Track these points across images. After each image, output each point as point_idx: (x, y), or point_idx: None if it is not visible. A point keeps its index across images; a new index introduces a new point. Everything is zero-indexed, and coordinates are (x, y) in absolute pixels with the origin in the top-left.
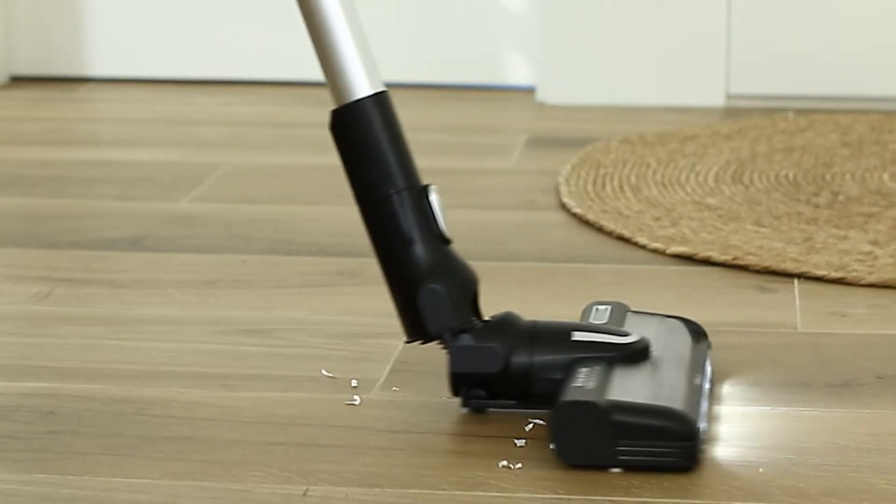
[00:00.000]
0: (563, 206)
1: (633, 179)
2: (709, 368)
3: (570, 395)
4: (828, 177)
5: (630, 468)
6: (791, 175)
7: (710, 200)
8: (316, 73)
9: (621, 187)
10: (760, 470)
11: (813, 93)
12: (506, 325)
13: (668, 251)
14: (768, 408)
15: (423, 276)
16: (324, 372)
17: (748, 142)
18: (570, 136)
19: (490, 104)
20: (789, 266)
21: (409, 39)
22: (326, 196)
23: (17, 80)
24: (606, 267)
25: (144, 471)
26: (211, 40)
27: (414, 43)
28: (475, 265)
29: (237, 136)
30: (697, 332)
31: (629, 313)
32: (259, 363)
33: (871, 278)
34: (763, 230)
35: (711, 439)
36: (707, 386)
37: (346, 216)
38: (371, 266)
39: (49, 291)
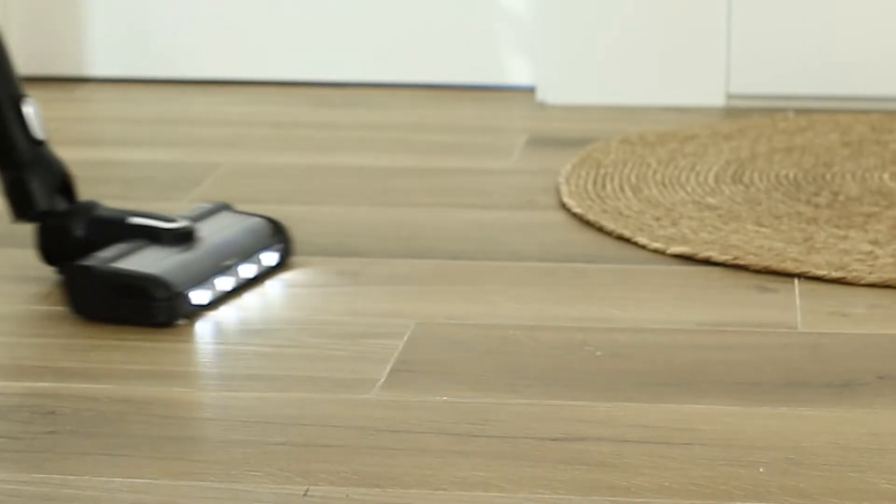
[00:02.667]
0: (564, 206)
1: (633, 179)
2: (268, 259)
3: (81, 261)
4: (828, 177)
5: (124, 321)
6: (791, 175)
7: (711, 200)
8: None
9: (621, 187)
10: (760, 470)
11: (813, 93)
12: (80, 211)
13: (669, 251)
14: (768, 408)
15: (19, 170)
16: None
17: (748, 142)
18: (570, 135)
19: (490, 104)
20: (789, 266)
21: (410, 39)
22: (326, 196)
23: None
24: (606, 267)
25: (145, 471)
26: (211, 40)
27: (414, 43)
28: (476, 265)
29: (237, 136)
30: (275, 232)
31: (224, 211)
32: (259, 363)
33: (872, 278)
34: (763, 230)
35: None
36: (242, 270)
37: (346, 216)
38: (371, 266)
39: (49, 291)
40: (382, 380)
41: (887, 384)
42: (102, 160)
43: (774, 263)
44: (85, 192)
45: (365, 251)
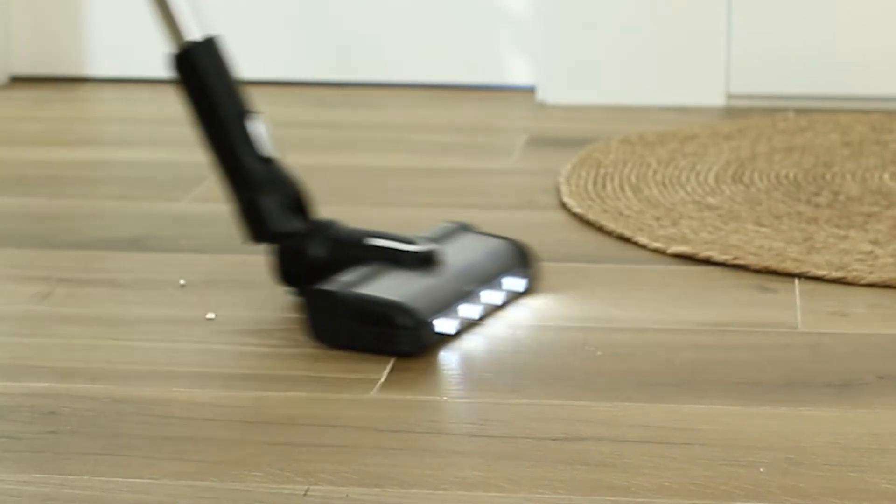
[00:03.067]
0: (564, 206)
1: (633, 179)
2: (512, 284)
3: (320, 285)
4: (828, 176)
5: (367, 349)
6: (791, 175)
7: (711, 200)
8: (316, 73)
9: (622, 187)
10: (760, 470)
11: (813, 93)
12: (317, 231)
13: (669, 251)
14: (768, 408)
15: (250, 191)
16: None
17: (748, 141)
18: (570, 135)
19: (490, 104)
20: (790, 266)
21: (410, 39)
22: (326, 196)
23: (18, 80)
24: (607, 267)
25: (145, 471)
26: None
27: (414, 43)
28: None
29: None
30: (520, 255)
31: (465, 231)
32: (259, 363)
33: (872, 278)
34: (763, 230)
35: (461, 337)
36: (486, 296)
37: (346, 216)
38: None
39: (49, 291)
40: (382, 380)
41: (887, 384)
42: (102, 160)
43: (774, 263)
44: (85, 192)
45: None
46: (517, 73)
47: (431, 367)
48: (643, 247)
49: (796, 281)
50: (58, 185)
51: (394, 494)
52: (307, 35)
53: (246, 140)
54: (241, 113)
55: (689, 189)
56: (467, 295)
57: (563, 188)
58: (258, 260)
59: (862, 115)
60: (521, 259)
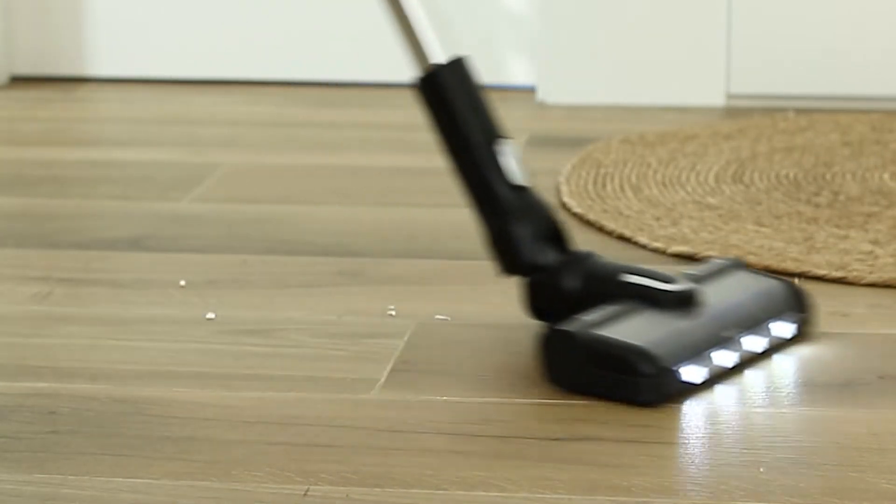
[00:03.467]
0: (564, 206)
1: (633, 179)
2: (779, 330)
3: (560, 325)
4: (828, 176)
5: (603, 396)
6: (791, 175)
7: (711, 200)
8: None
9: (622, 187)
10: (760, 470)
11: (813, 92)
12: (572, 263)
13: (669, 251)
14: (768, 408)
15: (502, 220)
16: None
17: (748, 141)
18: (570, 135)
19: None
20: (790, 265)
21: None
22: (326, 196)
23: (18, 80)
24: None
25: (145, 471)
26: (211, 40)
27: None
28: (476, 265)
29: (237, 136)
30: (792, 299)
31: (735, 270)
32: (259, 363)
33: (872, 278)
34: (763, 230)
35: (711, 389)
36: (747, 342)
37: (346, 216)
38: (371, 266)
39: (49, 291)
40: (383, 380)
41: (888, 384)
42: (102, 160)
43: (775, 263)
44: (85, 192)
45: (365, 251)
46: (517, 73)
47: (431, 367)
48: (643, 247)
49: (796, 281)
50: (58, 185)
51: (394, 494)
52: (307, 35)
53: (496, 167)
54: (491, 138)
55: (689, 189)
56: (724, 341)
57: (564, 188)
58: (258, 260)
59: (862, 115)
60: (793, 303)
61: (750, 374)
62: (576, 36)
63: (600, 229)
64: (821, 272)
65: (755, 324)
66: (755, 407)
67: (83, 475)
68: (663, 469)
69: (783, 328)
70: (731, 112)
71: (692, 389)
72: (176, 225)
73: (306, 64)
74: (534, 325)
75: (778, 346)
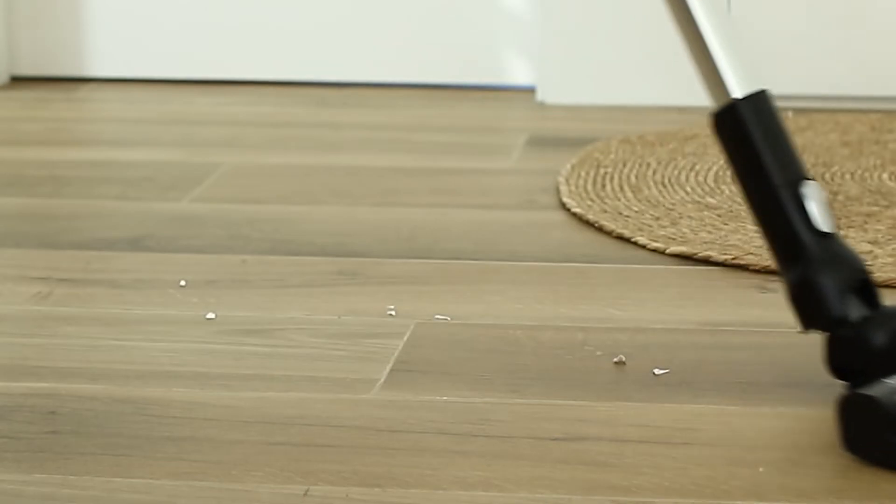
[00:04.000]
0: (563, 206)
1: (633, 179)
2: None
3: (864, 388)
4: (827, 176)
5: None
6: None
7: (710, 200)
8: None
9: (621, 187)
10: (760, 469)
11: (813, 93)
12: (882, 318)
13: (668, 251)
14: (768, 408)
15: (806, 269)
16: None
17: None
18: (570, 135)
19: (490, 104)
20: None
21: (410, 39)
22: (326, 196)
23: (18, 81)
24: (606, 267)
25: (145, 471)
26: (211, 40)
27: (414, 43)
28: (476, 265)
29: (237, 136)
30: None
31: None
32: (259, 363)
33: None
34: None
35: None
36: None
37: (346, 216)
38: (371, 266)
39: (49, 291)
40: (382, 380)
41: None
42: (102, 160)
43: (774, 263)
44: (85, 192)
45: (365, 251)
46: (517, 73)
47: (431, 367)
48: (643, 247)
49: None
50: (58, 185)
51: (394, 494)
52: (307, 35)
53: (801, 211)
54: (795, 180)
55: (688, 189)
56: None
57: (563, 188)
58: (258, 260)
59: (862, 115)
60: None
61: None
62: (576, 36)
63: (599, 229)
64: None
65: None
66: (753, 405)
67: (83, 475)
68: (663, 469)
69: None
70: None
71: None
72: (176, 225)
73: (306, 64)
74: (535, 326)
75: None
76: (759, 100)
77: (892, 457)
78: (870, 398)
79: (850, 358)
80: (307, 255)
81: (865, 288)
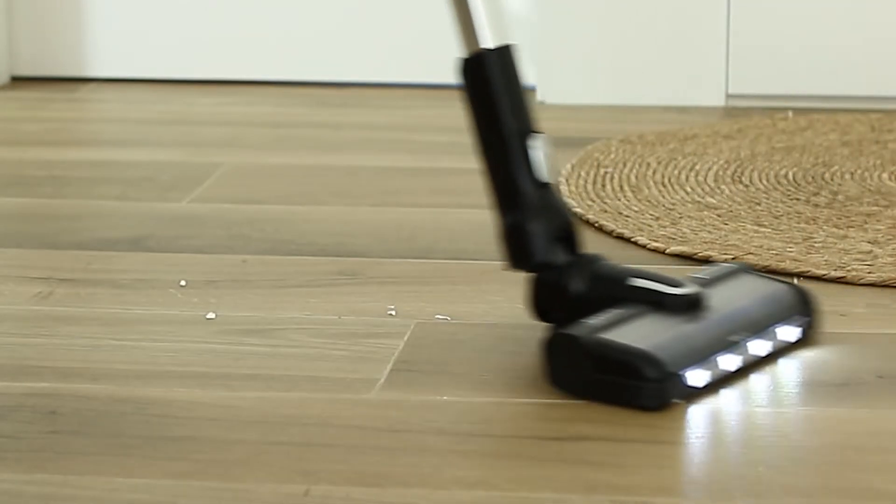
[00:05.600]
0: None
1: (632, 179)
2: (784, 334)
3: (565, 328)
4: (827, 176)
5: (605, 401)
6: (791, 174)
7: (710, 200)
8: (316, 73)
9: (621, 187)
10: (760, 469)
11: (813, 92)
12: (580, 265)
13: (668, 251)
14: (768, 408)
15: (519, 215)
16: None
17: (748, 141)
18: (569, 135)
19: None
20: (789, 265)
21: (410, 39)
22: (326, 196)
23: (18, 81)
24: None
25: (145, 470)
26: (211, 40)
27: (414, 43)
28: (476, 265)
29: (237, 136)
30: (799, 303)
31: (741, 274)
32: (259, 363)
33: (871, 278)
34: (763, 230)
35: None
36: (752, 347)
37: (346, 216)
38: (371, 266)
39: (50, 291)
40: (382, 380)
41: (887, 384)
42: (102, 160)
43: (774, 263)
44: (86, 192)
45: (365, 251)
46: None
47: (431, 367)
48: (642, 246)
49: (795, 281)
50: (58, 185)
51: (394, 494)
52: (307, 35)
53: (525, 160)
54: (526, 131)
55: (688, 189)
56: (730, 345)
57: (563, 188)
58: (258, 260)
59: (861, 114)
60: (799, 306)
61: (752, 377)
62: (576, 36)
63: (600, 229)
64: (820, 272)
65: (761, 328)
66: (756, 407)
67: (84, 475)
68: (663, 469)
69: (788, 332)
70: (730, 112)
71: (696, 393)
72: (176, 225)
73: (306, 64)
74: (535, 326)
75: (783, 349)
76: (505, 53)
77: (596, 389)
78: (573, 337)
79: (551, 300)
80: (307, 255)
81: (570, 238)
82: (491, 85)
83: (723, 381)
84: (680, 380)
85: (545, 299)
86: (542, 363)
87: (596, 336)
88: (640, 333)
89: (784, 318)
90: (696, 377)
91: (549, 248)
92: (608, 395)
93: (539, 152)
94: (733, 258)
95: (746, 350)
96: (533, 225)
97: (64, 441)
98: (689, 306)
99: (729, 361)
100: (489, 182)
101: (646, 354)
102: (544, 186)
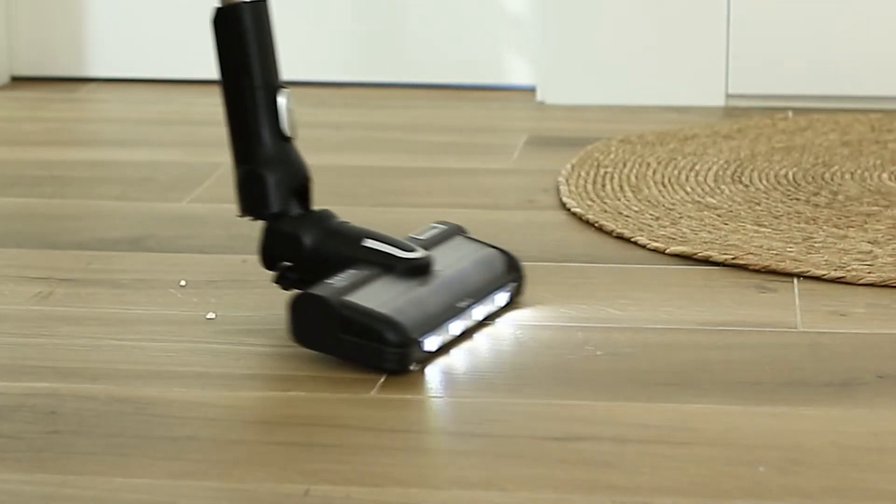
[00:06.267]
0: (563, 206)
1: (633, 179)
2: (502, 299)
3: (310, 289)
4: (827, 176)
5: (348, 359)
6: (790, 174)
7: (710, 200)
8: (315, 73)
9: (621, 187)
10: (761, 469)
11: (812, 92)
12: (314, 220)
13: (668, 251)
14: (768, 407)
15: (260, 164)
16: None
17: (748, 141)
18: (570, 135)
19: (490, 104)
20: (789, 265)
21: (410, 39)
22: (326, 196)
23: (18, 81)
24: (606, 266)
25: (146, 470)
26: (211, 40)
27: (414, 43)
28: None
29: None
30: (510, 268)
31: (457, 237)
32: (259, 363)
33: (871, 277)
34: (763, 230)
35: (450, 356)
36: (476, 312)
37: (346, 216)
38: None
39: (50, 291)
40: (383, 379)
41: (887, 383)
42: (102, 160)
43: (774, 263)
44: (86, 192)
45: None
46: (517, 73)
47: (431, 368)
48: (642, 246)
49: (795, 281)
50: (58, 185)
51: (394, 494)
52: (307, 35)
53: (272, 113)
54: (273, 85)
55: (688, 189)
56: (458, 311)
57: (563, 188)
58: (258, 260)
59: (861, 114)
60: (509, 271)
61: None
62: (576, 36)
63: (599, 229)
64: (820, 272)
65: (483, 294)
66: (753, 405)
67: (84, 475)
68: (663, 469)
69: (502, 297)
70: (730, 112)
71: (431, 357)
72: (176, 225)
73: (306, 64)
74: (535, 326)
75: (497, 313)
76: (259, 8)
77: (338, 349)
78: (321, 298)
79: (283, 250)
80: None
81: (305, 193)
82: (244, 36)
83: (451, 344)
84: (419, 345)
85: (277, 248)
86: (288, 319)
87: (343, 298)
88: (381, 298)
89: (500, 285)
90: (432, 342)
91: (286, 198)
92: (352, 354)
93: (284, 107)
94: (733, 258)
95: (471, 315)
96: (271, 175)
97: (64, 441)
98: (418, 270)
99: (456, 327)
100: (231, 131)
101: (390, 320)
102: (286, 140)
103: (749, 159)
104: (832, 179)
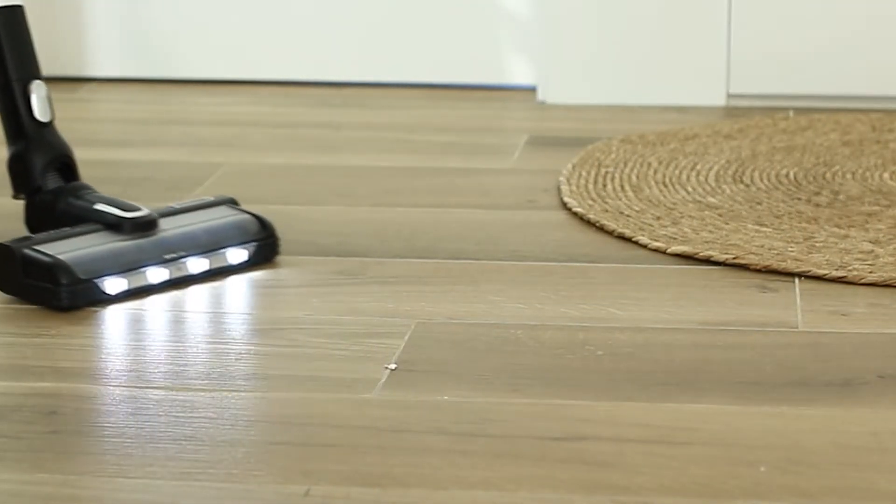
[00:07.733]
0: (564, 206)
1: (634, 179)
2: (235, 256)
3: (5, 241)
4: (828, 176)
5: (33, 302)
6: (792, 174)
7: (711, 200)
8: (316, 73)
9: (622, 187)
10: (761, 469)
11: (813, 92)
12: (67, 191)
13: (669, 250)
14: (768, 407)
15: (19, 148)
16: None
17: (749, 141)
18: (571, 135)
19: (491, 104)
20: (790, 265)
21: (410, 39)
22: (326, 196)
23: None
24: (607, 266)
25: (145, 471)
26: (211, 40)
27: (414, 43)
28: (476, 264)
29: (237, 136)
30: (257, 230)
31: (222, 206)
32: (259, 363)
33: (872, 277)
34: (764, 229)
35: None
36: (192, 265)
37: (346, 216)
38: (371, 266)
39: None
40: (383, 379)
41: (888, 383)
42: (102, 160)
43: (775, 263)
44: None
45: (365, 251)
46: (517, 73)
47: (432, 367)
48: (644, 246)
49: (797, 280)
50: None
51: (394, 494)
52: (307, 35)
53: (27, 102)
54: (27, 78)
55: (689, 188)
56: (163, 261)
57: (564, 188)
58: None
59: (862, 114)
60: (254, 232)
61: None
62: (576, 36)
63: (601, 229)
64: (821, 272)
65: (207, 249)
66: (753, 405)
67: (85, 475)
68: (663, 469)
69: (237, 255)
70: (731, 112)
71: (116, 299)
72: None
73: (306, 64)
74: (535, 326)
75: (229, 269)
76: (14, 12)
77: (24, 292)
78: (8, 247)
79: (41, 219)
80: (308, 255)
81: (68, 168)
82: (1, 38)
83: (148, 290)
84: (95, 287)
85: (37, 218)
86: None
87: (26, 247)
88: (69, 247)
89: (236, 243)
90: (113, 285)
91: (43, 175)
92: (35, 297)
93: (36, 97)
94: (734, 258)
95: (184, 267)
96: (30, 156)
97: (64, 441)
98: (139, 227)
99: (157, 275)
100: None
101: (60, 263)
102: (42, 125)
103: (750, 159)
104: (833, 179)
